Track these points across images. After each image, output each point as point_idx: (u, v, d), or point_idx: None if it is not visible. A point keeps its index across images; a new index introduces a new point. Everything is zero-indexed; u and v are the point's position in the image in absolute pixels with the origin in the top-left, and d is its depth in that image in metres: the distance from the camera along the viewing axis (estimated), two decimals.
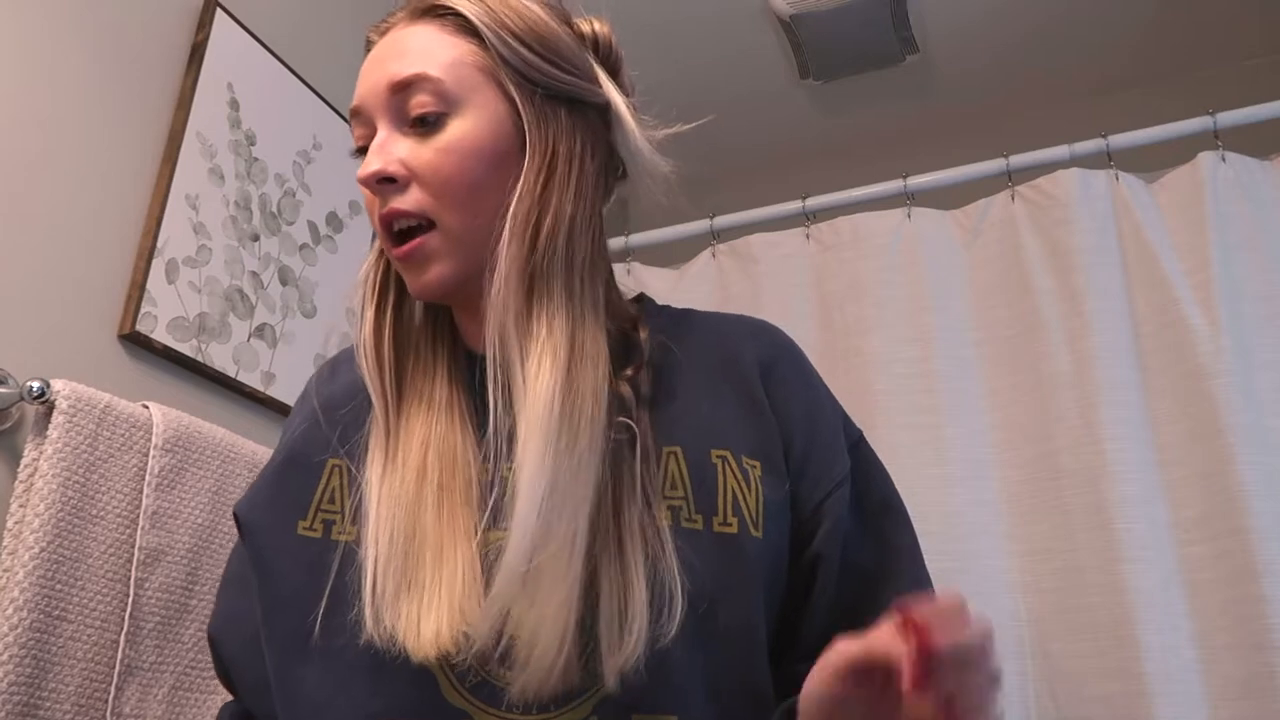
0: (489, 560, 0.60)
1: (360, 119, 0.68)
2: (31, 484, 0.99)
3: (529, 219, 0.64)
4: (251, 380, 1.38)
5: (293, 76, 1.55)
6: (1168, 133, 1.51)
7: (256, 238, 1.43)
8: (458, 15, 0.67)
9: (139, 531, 1.06)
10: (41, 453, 1.01)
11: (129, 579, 1.05)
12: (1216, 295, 1.34)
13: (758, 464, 0.66)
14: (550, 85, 0.68)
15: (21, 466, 1.01)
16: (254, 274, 1.42)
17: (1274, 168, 1.44)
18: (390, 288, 0.71)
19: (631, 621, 0.58)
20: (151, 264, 1.24)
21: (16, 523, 0.98)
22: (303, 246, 1.52)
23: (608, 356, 0.65)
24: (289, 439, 0.74)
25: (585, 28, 0.74)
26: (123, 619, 1.03)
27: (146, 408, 1.13)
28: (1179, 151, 1.48)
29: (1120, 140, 1.52)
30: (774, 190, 1.75)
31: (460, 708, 0.59)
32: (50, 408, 1.03)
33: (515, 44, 0.67)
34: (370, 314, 0.70)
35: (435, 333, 0.71)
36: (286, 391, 1.44)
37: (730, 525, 0.63)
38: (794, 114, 2.46)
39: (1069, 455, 1.35)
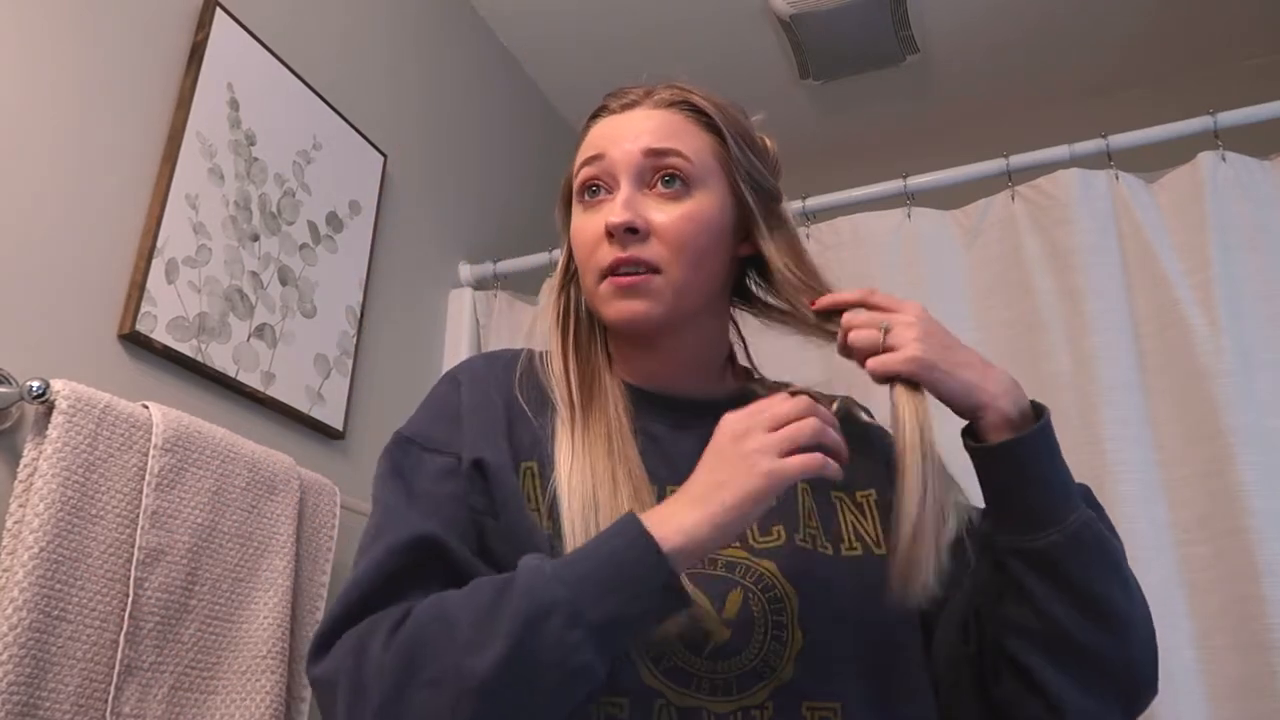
0: None
1: (599, 164, 0.80)
2: (31, 484, 1.00)
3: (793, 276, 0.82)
4: (251, 380, 1.38)
5: (293, 76, 1.55)
6: (1168, 133, 1.51)
7: (256, 238, 1.43)
8: (702, 114, 0.82)
9: (139, 531, 1.06)
10: (41, 452, 1.01)
11: (129, 579, 1.05)
12: (1216, 295, 1.34)
13: (872, 492, 0.81)
14: (760, 183, 0.83)
15: (21, 466, 1.01)
16: (254, 274, 1.42)
17: (1274, 168, 1.44)
18: (570, 324, 0.84)
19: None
20: (151, 264, 1.24)
21: (16, 523, 0.98)
22: (302, 246, 1.52)
23: None
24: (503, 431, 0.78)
25: (765, 142, 0.89)
26: (122, 619, 1.03)
27: (146, 408, 1.13)
28: (1179, 151, 1.48)
29: (1120, 140, 1.52)
30: None
31: (656, 689, 0.67)
32: (50, 407, 1.03)
33: (745, 147, 0.83)
34: (558, 343, 0.83)
35: (602, 366, 0.82)
36: (286, 391, 1.44)
37: (855, 549, 0.77)
38: (794, 114, 2.47)
39: (1069, 455, 1.34)
